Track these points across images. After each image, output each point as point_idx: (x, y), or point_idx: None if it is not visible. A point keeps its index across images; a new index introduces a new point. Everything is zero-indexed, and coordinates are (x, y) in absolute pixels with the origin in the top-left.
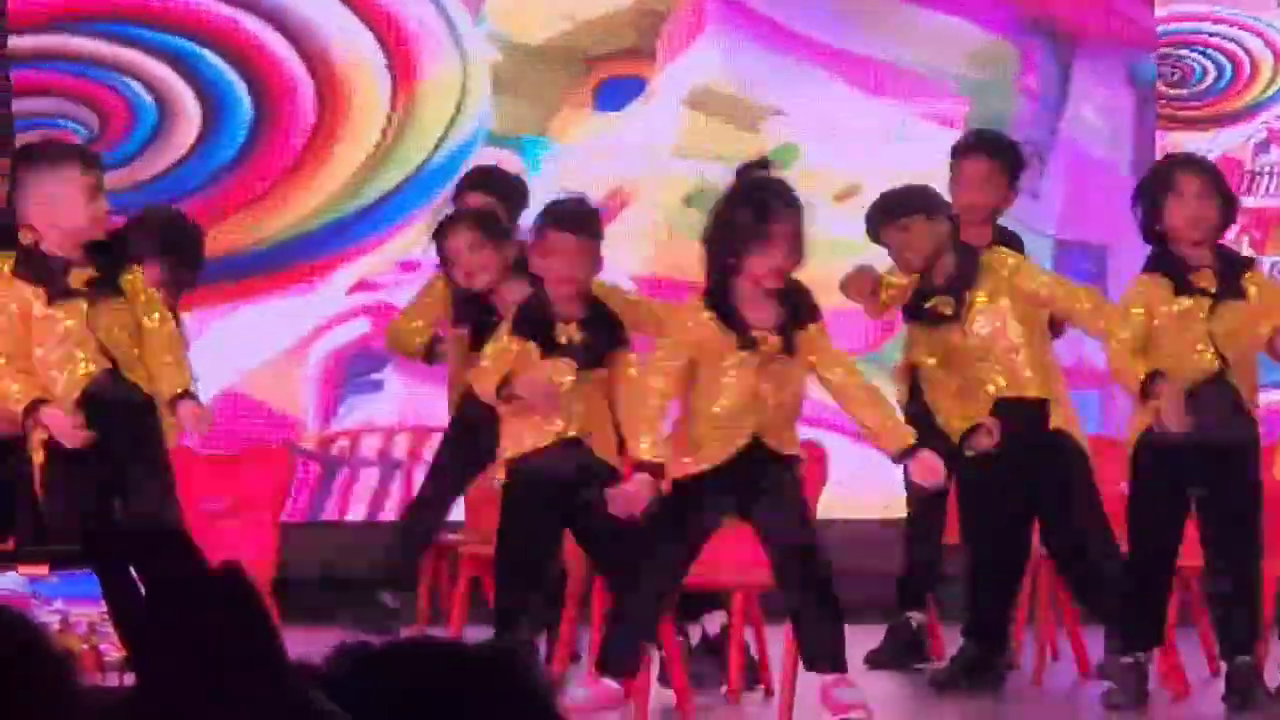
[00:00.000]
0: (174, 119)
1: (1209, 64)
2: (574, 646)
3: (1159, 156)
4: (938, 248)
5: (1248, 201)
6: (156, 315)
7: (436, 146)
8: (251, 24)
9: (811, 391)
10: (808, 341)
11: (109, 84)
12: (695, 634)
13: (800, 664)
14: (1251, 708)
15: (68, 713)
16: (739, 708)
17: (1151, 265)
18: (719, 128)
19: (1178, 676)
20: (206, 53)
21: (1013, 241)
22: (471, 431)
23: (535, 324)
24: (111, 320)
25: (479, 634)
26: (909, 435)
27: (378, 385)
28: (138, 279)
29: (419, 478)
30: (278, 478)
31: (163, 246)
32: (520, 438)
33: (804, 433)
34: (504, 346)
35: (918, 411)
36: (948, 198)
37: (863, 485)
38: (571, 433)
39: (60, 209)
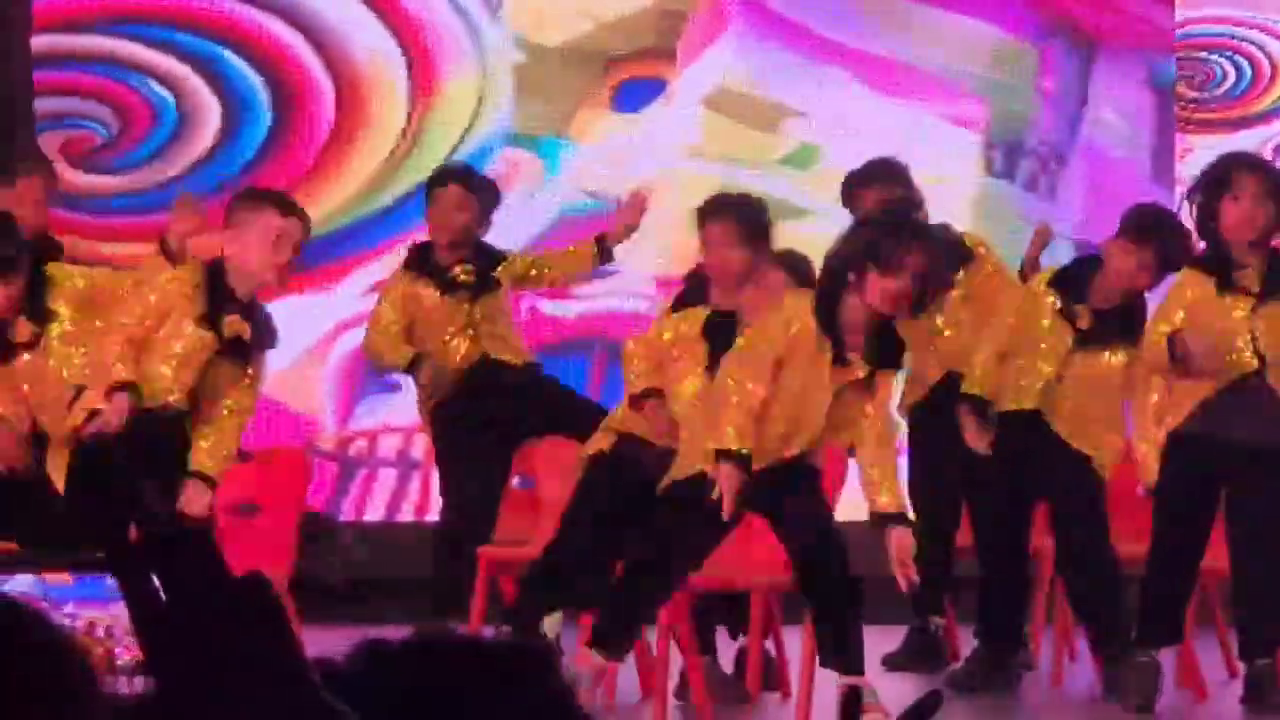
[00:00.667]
0: (194, 119)
1: (1229, 67)
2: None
3: (1179, 158)
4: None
5: None
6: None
7: (455, 148)
8: (272, 24)
9: None
10: (879, 381)
11: (130, 84)
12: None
13: (818, 665)
14: (1271, 711)
15: (89, 714)
16: (757, 709)
17: (1198, 261)
18: (738, 128)
19: (1195, 678)
20: (227, 53)
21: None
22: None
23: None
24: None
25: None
26: (899, 503)
27: (396, 386)
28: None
29: (436, 478)
30: (296, 478)
31: None
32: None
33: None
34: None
35: (928, 406)
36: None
37: None
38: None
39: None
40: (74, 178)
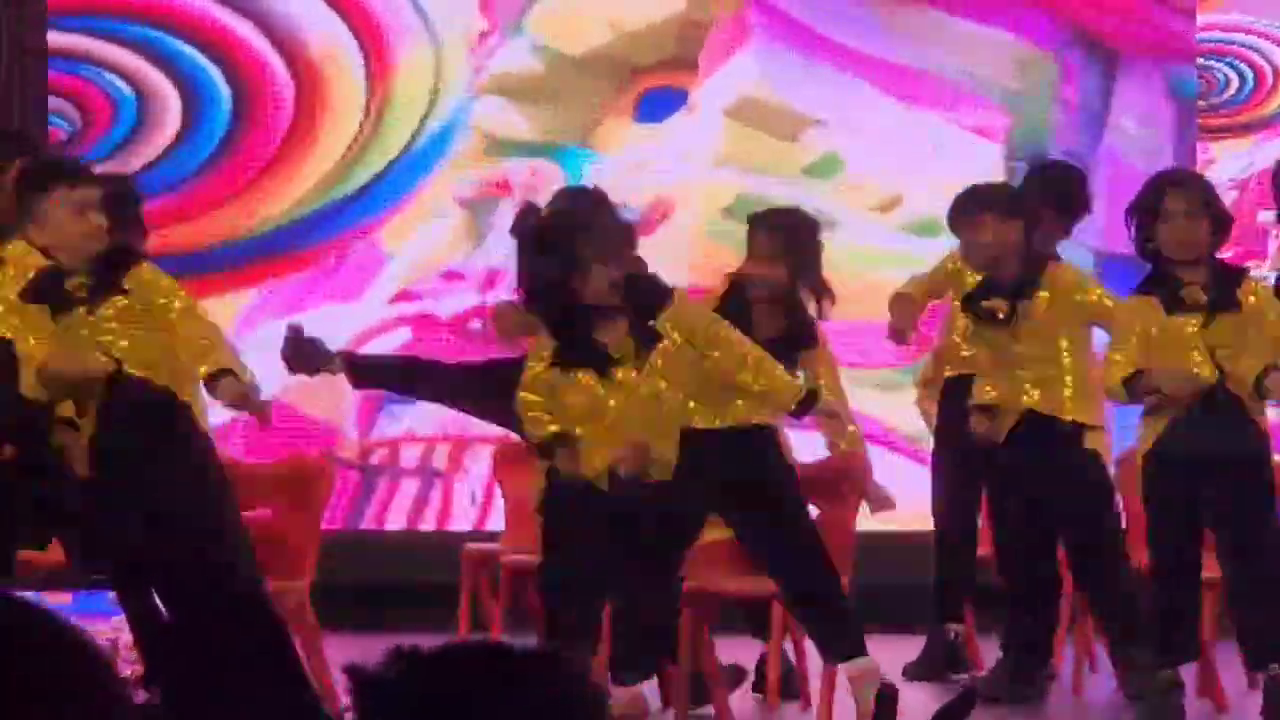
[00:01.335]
0: (154, 112)
1: (1231, 73)
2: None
3: (1200, 168)
4: (1003, 249)
5: None
6: (178, 303)
7: (416, 131)
8: (227, 16)
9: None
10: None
11: (89, 79)
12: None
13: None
14: None
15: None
16: (777, 718)
17: (1142, 286)
18: (760, 138)
19: (1216, 689)
20: (183, 45)
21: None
22: None
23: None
24: (116, 319)
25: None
26: (795, 389)
27: None
28: (146, 270)
29: (459, 488)
30: (317, 487)
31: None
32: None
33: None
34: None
35: (952, 415)
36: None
37: (897, 497)
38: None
39: (58, 230)
40: None
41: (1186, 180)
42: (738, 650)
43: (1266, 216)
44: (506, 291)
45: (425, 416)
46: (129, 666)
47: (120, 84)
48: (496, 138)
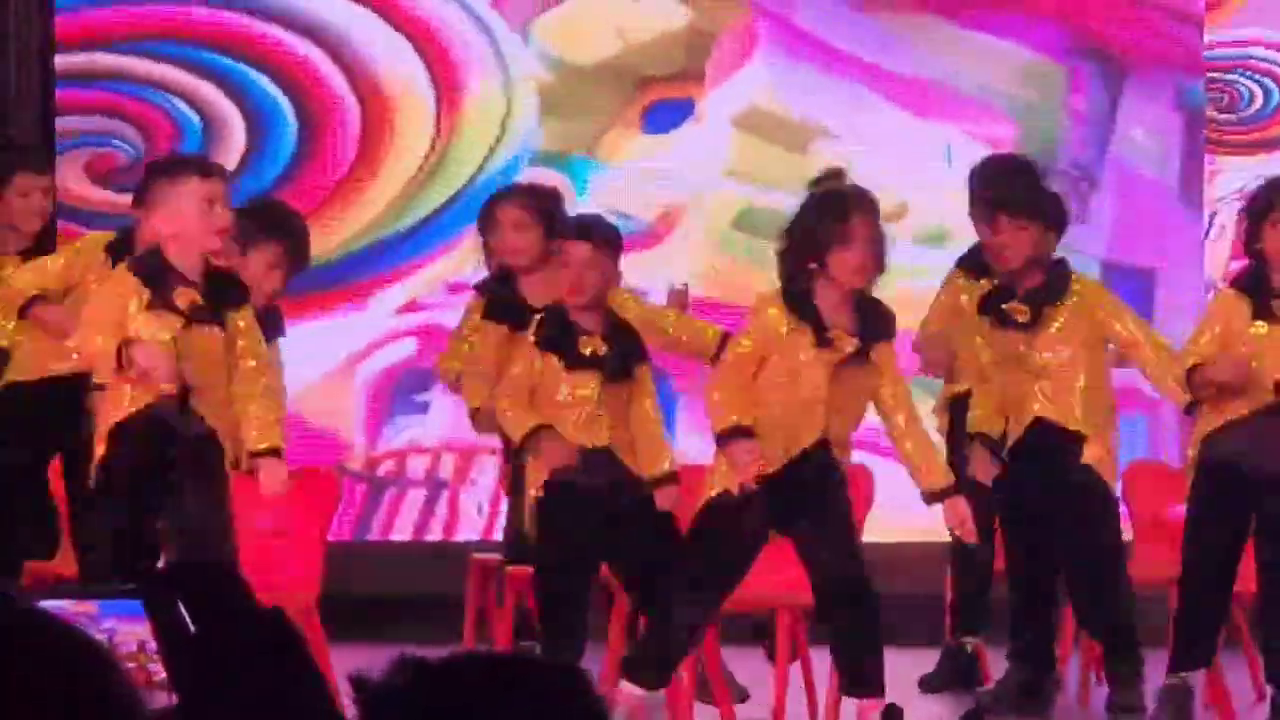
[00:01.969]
0: (219, 138)
1: (1256, 88)
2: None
3: (1206, 180)
4: (1035, 255)
5: None
6: (254, 361)
7: (481, 166)
8: (296, 42)
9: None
10: (880, 355)
11: (155, 103)
12: None
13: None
14: None
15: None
16: None
17: (1237, 282)
18: (768, 149)
19: (1223, 699)
20: (251, 71)
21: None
22: None
23: (557, 337)
24: (203, 348)
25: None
26: (945, 477)
27: (424, 406)
28: (245, 318)
29: (465, 499)
30: (324, 498)
31: (271, 230)
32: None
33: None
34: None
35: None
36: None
37: (909, 508)
38: (602, 444)
39: (183, 219)
40: (99, 196)
41: None
42: (739, 662)
43: None
44: None
45: (431, 428)
46: (163, 670)
47: (186, 109)
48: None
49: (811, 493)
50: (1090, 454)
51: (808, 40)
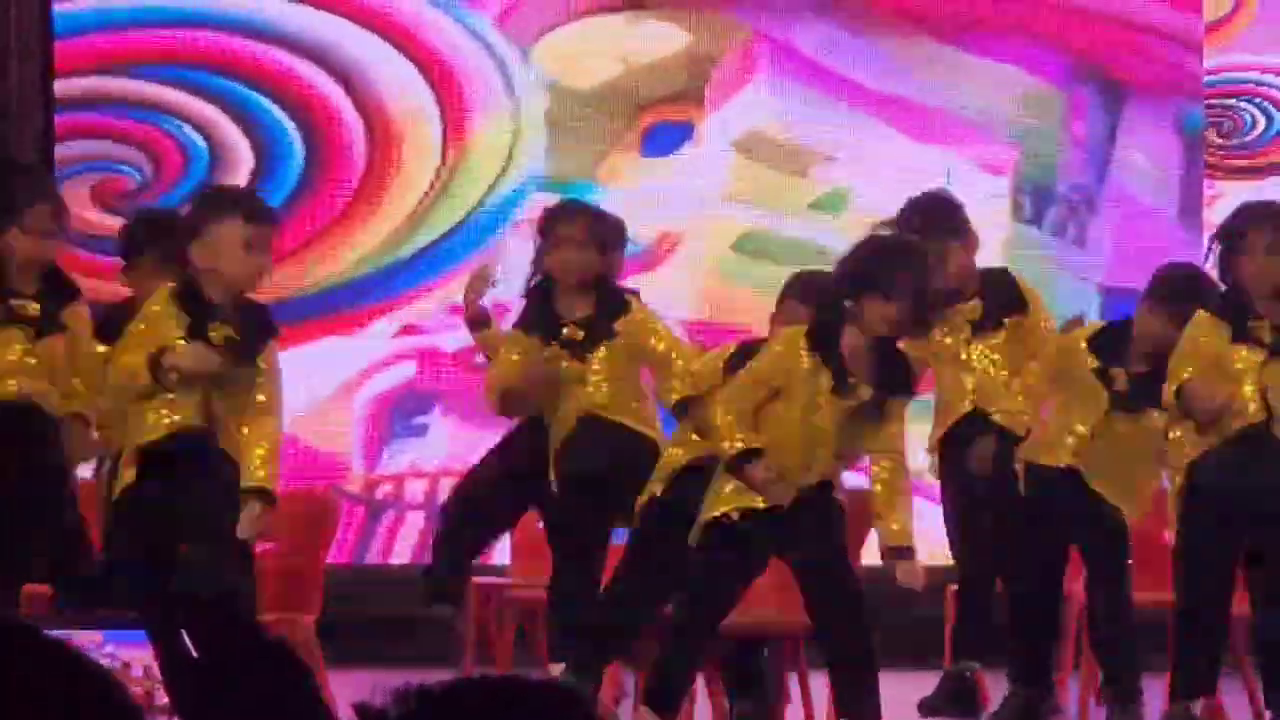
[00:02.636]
0: (226, 163)
1: (1258, 114)
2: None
3: (1206, 205)
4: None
5: None
6: (271, 392)
7: (487, 193)
8: (303, 67)
9: None
10: (891, 408)
11: (162, 127)
12: None
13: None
14: None
15: None
16: None
17: (1215, 306)
18: (768, 173)
19: None
20: (258, 96)
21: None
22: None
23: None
24: (235, 386)
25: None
26: (908, 538)
27: (423, 429)
28: (270, 353)
29: None
30: (323, 521)
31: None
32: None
33: (851, 479)
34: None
35: (959, 451)
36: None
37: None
38: None
39: (219, 258)
40: (106, 221)
41: (1274, 215)
42: None
43: None
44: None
45: (430, 451)
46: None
47: (194, 135)
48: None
49: (811, 521)
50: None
51: (808, 64)
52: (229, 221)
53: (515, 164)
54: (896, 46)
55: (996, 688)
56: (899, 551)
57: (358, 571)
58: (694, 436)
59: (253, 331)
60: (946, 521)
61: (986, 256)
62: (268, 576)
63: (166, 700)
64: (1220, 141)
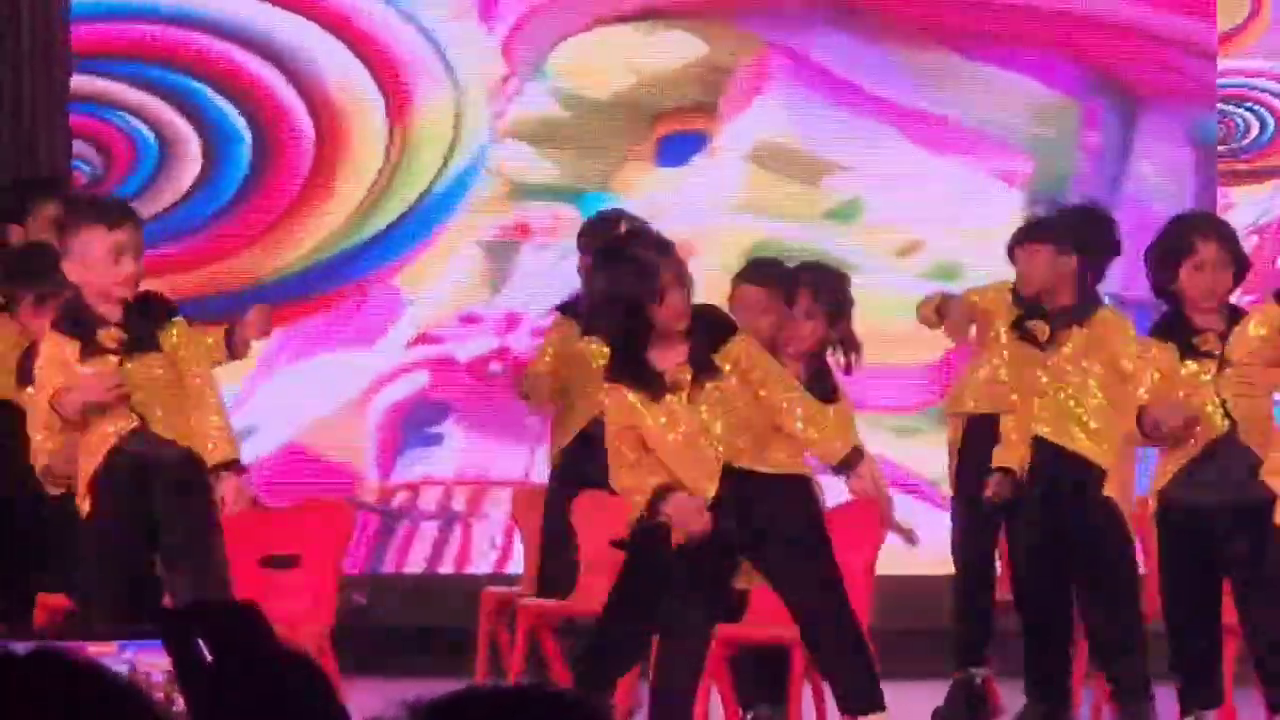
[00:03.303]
0: (175, 155)
1: (1251, 118)
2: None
3: (1220, 214)
4: (1054, 280)
5: None
6: (199, 372)
7: (437, 176)
8: (249, 60)
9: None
10: (727, 360)
11: (112, 122)
12: None
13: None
14: None
15: None
16: None
17: (1158, 329)
18: (782, 183)
19: None
20: (205, 88)
21: None
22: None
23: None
24: (144, 377)
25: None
26: (844, 450)
27: (437, 438)
28: (179, 331)
29: (478, 531)
30: (337, 530)
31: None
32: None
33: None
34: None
35: (970, 459)
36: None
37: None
38: None
39: (88, 270)
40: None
41: (1217, 227)
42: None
43: None
44: (526, 335)
45: (444, 460)
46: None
47: (142, 127)
48: (517, 182)
49: (766, 518)
50: (1111, 485)
51: (822, 74)
52: (90, 231)
53: (460, 148)
54: (910, 57)
55: (1007, 694)
56: (842, 465)
57: (373, 581)
58: None
59: (144, 322)
60: (954, 531)
61: (1000, 268)
62: (282, 586)
63: (184, 707)
64: (1232, 149)
